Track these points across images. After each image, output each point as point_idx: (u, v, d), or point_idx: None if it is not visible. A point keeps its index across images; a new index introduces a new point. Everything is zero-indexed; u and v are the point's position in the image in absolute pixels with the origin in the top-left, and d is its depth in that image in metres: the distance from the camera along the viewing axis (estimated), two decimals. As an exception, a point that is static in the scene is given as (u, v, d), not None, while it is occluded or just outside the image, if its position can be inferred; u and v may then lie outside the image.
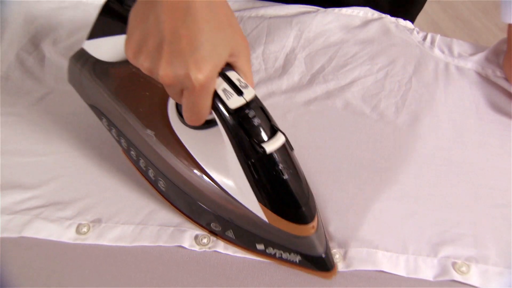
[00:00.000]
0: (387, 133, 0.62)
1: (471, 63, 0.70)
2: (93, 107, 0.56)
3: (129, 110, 0.51)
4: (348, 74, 0.68)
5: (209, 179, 0.48)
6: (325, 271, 0.49)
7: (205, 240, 0.51)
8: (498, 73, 0.68)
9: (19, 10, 0.73)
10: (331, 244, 0.51)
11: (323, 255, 0.49)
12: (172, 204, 0.54)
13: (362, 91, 0.66)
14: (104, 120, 0.55)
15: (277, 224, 0.45)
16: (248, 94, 0.42)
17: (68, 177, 0.56)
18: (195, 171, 0.48)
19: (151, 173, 0.52)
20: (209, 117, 0.46)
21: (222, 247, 0.51)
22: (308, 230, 0.46)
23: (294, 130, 0.61)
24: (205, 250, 0.51)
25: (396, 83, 0.67)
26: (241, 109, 0.42)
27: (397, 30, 0.73)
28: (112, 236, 0.52)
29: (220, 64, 0.41)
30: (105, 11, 0.51)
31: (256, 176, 0.44)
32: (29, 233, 0.51)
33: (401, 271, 0.50)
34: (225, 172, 0.47)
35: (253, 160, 0.43)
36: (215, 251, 0.51)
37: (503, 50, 0.70)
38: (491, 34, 2.00)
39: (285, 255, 0.49)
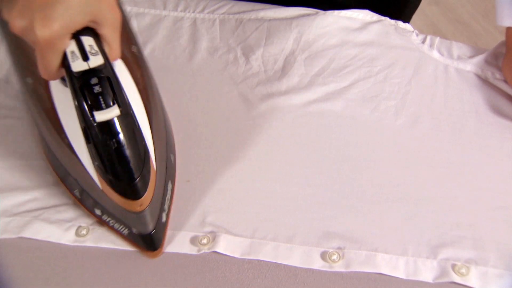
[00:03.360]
0: (387, 135, 0.62)
1: (471, 66, 0.70)
2: None
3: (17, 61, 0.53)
4: (347, 76, 0.68)
5: (63, 134, 0.49)
6: (147, 250, 0.51)
7: (204, 241, 0.51)
8: (498, 75, 0.68)
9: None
10: (331, 245, 0.52)
11: (150, 234, 0.50)
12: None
13: (361, 93, 0.66)
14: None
15: (107, 192, 0.46)
16: (94, 62, 0.43)
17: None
18: (54, 126, 0.50)
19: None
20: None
21: (221, 248, 0.51)
22: (135, 206, 0.46)
23: (293, 132, 0.62)
24: (204, 251, 0.51)
25: (395, 86, 0.67)
26: (84, 74, 0.42)
27: (396, 32, 0.73)
28: (111, 239, 0.52)
29: (72, 26, 0.42)
30: None
31: (89, 142, 0.44)
32: (28, 233, 0.51)
33: (400, 273, 0.50)
34: (74, 132, 0.47)
35: (87, 126, 0.43)
36: (214, 251, 0.51)
37: (502, 53, 0.70)
38: (490, 36, 2.01)
39: (116, 225, 0.51)
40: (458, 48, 0.72)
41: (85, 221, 0.53)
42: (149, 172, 0.46)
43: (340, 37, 0.72)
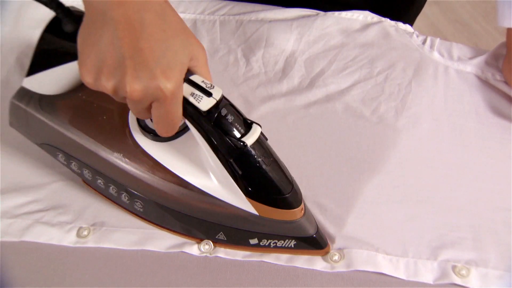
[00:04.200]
0: (387, 137, 0.62)
1: (471, 67, 0.70)
2: (46, 145, 0.54)
3: (89, 138, 0.50)
4: (348, 77, 0.68)
5: (190, 187, 0.48)
6: (320, 249, 0.51)
7: (207, 247, 0.51)
8: (498, 76, 0.68)
9: (19, 14, 0.74)
10: (331, 246, 0.52)
11: (315, 235, 0.50)
12: (153, 223, 0.53)
13: (362, 95, 0.66)
14: (60, 156, 0.53)
15: (268, 214, 0.46)
16: (217, 94, 0.42)
17: (68, 180, 0.56)
18: (175, 183, 0.48)
19: (124, 197, 0.52)
20: None
21: (223, 253, 0.51)
22: (298, 213, 0.47)
23: (294, 133, 0.62)
24: (206, 255, 0.51)
25: (396, 87, 0.67)
26: (213, 109, 0.42)
27: (396, 33, 0.73)
28: (113, 239, 0.52)
29: (184, 70, 0.41)
30: (42, 44, 0.49)
31: (240, 172, 0.44)
32: (30, 237, 0.51)
33: (401, 274, 0.50)
34: (205, 177, 0.47)
35: (235, 157, 0.43)
36: (216, 256, 0.51)
37: (502, 54, 0.70)
38: (490, 37, 2.01)
39: (279, 243, 0.50)
40: (459, 49, 0.72)
41: (86, 222, 0.53)
42: (290, 175, 0.47)
43: (340, 38, 0.72)
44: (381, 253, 0.51)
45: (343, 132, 0.62)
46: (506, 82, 0.67)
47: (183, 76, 0.40)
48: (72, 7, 0.47)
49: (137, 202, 0.51)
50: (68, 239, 0.52)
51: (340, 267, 0.50)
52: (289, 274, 0.50)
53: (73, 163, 0.52)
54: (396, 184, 0.57)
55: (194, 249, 0.51)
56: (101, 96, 0.43)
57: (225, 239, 0.51)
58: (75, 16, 0.46)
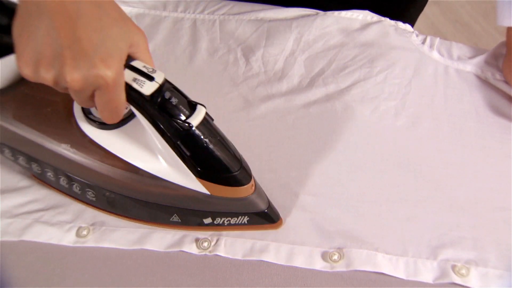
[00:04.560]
0: (387, 136, 0.62)
1: (471, 66, 0.70)
2: None
3: (35, 131, 0.49)
4: (347, 77, 0.68)
5: (141, 172, 0.48)
6: (272, 223, 0.52)
7: (205, 244, 0.51)
8: (498, 76, 0.68)
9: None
10: (331, 246, 0.52)
11: (267, 210, 0.51)
12: (107, 211, 0.53)
13: (361, 94, 0.66)
14: (6, 151, 0.53)
15: (219, 193, 0.47)
16: (159, 77, 0.43)
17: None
18: (124, 169, 0.48)
19: (76, 187, 0.51)
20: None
21: (223, 251, 0.51)
22: (249, 189, 0.48)
23: (293, 132, 0.62)
24: (205, 254, 0.51)
25: (395, 86, 0.67)
26: (156, 93, 0.42)
27: (396, 33, 0.73)
28: (112, 239, 0.52)
29: (124, 57, 0.41)
30: None
31: (188, 153, 0.45)
32: (29, 236, 0.51)
33: (400, 274, 0.50)
34: (154, 161, 0.48)
35: (182, 138, 0.44)
36: (215, 254, 0.51)
37: (502, 53, 0.70)
38: (490, 37, 2.01)
39: (233, 220, 0.51)
40: (458, 49, 0.72)
41: (86, 221, 0.53)
42: (239, 153, 0.48)
43: (340, 38, 0.72)
44: (380, 252, 0.51)
45: (343, 131, 0.62)
46: (506, 82, 0.67)
47: (123, 62, 0.40)
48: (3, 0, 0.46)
49: (88, 191, 0.51)
50: (68, 238, 0.51)
51: (340, 267, 0.50)
52: (288, 273, 0.50)
53: (21, 157, 0.52)
54: (396, 184, 0.57)
55: (193, 247, 0.51)
56: (43, 88, 0.43)
57: (180, 220, 0.51)
58: (8, 8, 0.44)
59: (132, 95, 0.42)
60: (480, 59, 0.70)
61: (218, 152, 0.45)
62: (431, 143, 0.61)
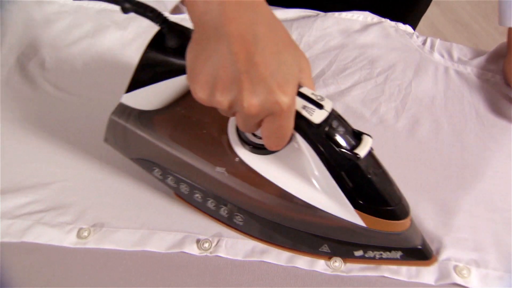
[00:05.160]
0: (387, 137, 0.62)
1: (471, 67, 0.70)
2: (141, 160, 0.53)
3: (190, 152, 0.49)
4: (348, 78, 0.68)
5: (295, 200, 0.47)
6: (426, 260, 0.51)
7: (206, 245, 0.51)
8: (498, 77, 0.68)
9: (19, 14, 0.74)
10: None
11: (421, 246, 0.50)
12: (253, 236, 0.53)
13: (362, 95, 0.66)
14: (156, 170, 0.52)
15: (377, 226, 0.46)
16: (328, 106, 0.42)
17: (68, 181, 0.56)
18: (279, 196, 0.47)
19: (223, 211, 0.51)
20: (261, 142, 0.46)
21: (224, 252, 0.51)
22: (406, 224, 0.47)
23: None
24: (206, 255, 0.51)
25: (396, 87, 0.67)
26: (324, 121, 0.42)
27: (396, 34, 0.73)
28: (113, 240, 0.52)
29: (297, 83, 0.40)
30: (144, 60, 0.48)
31: (351, 184, 0.44)
32: (30, 238, 0.51)
33: (402, 276, 0.50)
34: (310, 189, 0.47)
35: (347, 169, 0.43)
36: (216, 255, 0.51)
37: (502, 54, 0.70)
38: (491, 38, 2.01)
39: (385, 255, 0.49)
40: (459, 50, 0.72)
41: (86, 223, 0.53)
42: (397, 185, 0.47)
43: (341, 39, 0.72)
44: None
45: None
46: (506, 83, 0.67)
47: (296, 89, 0.40)
48: (176, 23, 0.46)
49: (237, 216, 0.51)
50: (68, 240, 0.51)
51: (341, 273, 0.50)
52: (289, 274, 0.50)
53: (170, 177, 0.52)
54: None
55: (194, 248, 0.51)
56: (200, 109, 0.43)
57: (329, 251, 0.50)
58: (179, 32, 0.45)
59: (300, 122, 0.42)
60: (480, 60, 0.70)
61: (381, 185, 0.45)
62: (431, 144, 0.61)
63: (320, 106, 0.41)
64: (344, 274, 0.50)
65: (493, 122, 0.64)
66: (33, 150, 0.59)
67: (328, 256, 0.51)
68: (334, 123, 0.42)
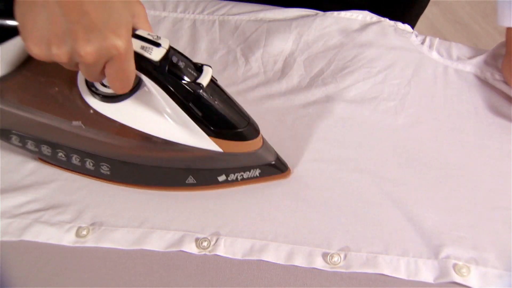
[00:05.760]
0: (386, 136, 0.62)
1: (470, 67, 0.70)
2: None
3: (45, 113, 0.50)
4: (347, 77, 0.68)
5: (155, 139, 0.49)
6: (283, 173, 0.56)
7: (205, 244, 0.51)
8: (497, 76, 0.68)
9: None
10: (332, 246, 0.52)
11: (275, 162, 0.54)
12: (123, 183, 0.55)
13: (361, 94, 0.66)
14: (14, 138, 0.53)
15: (232, 149, 0.49)
16: (165, 43, 0.44)
17: (67, 180, 0.56)
18: (139, 139, 0.50)
19: (89, 163, 0.52)
20: (110, 90, 0.48)
21: (222, 251, 0.51)
22: (259, 143, 0.51)
23: (293, 132, 0.62)
24: (205, 254, 0.51)
25: (395, 86, 0.67)
26: (164, 58, 0.44)
27: (395, 33, 0.73)
28: (112, 239, 0.52)
29: (130, 26, 0.42)
30: None
31: (200, 113, 0.46)
32: (29, 236, 0.51)
33: (401, 274, 0.50)
34: (166, 126, 0.49)
35: (193, 99, 0.45)
36: (215, 254, 0.51)
37: (501, 54, 0.70)
38: (490, 37, 2.01)
39: (246, 175, 0.53)
40: (458, 49, 0.72)
41: (85, 221, 0.53)
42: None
43: (340, 38, 0.72)
44: (381, 253, 0.51)
45: (342, 132, 0.62)
46: (505, 82, 0.67)
47: (130, 32, 0.42)
48: None
49: (103, 165, 0.52)
50: (67, 238, 0.51)
51: (339, 269, 0.50)
52: (288, 273, 0.50)
53: (29, 142, 0.53)
54: (395, 183, 0.57)
55: (192, 247, 0.51)
56: (45, 70, 0.44)
57: (195, 182, 0.53)
58: None
59: (141, 62, 0.43)
60: (479, 59, 0.70)
61: (227, 110, 0.48)
62: (430, 143, 0.61)
63: (157, 45, 0.43)
64: (343, 270, 0.50)
65: (492, 120, 0.64)
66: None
67: (195, 187, 0.54)
68: (174, 59, 0.44)
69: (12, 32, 0.44)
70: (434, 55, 0.71)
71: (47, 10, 0.38)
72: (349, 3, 0.75)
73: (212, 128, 0.48)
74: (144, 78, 0.45)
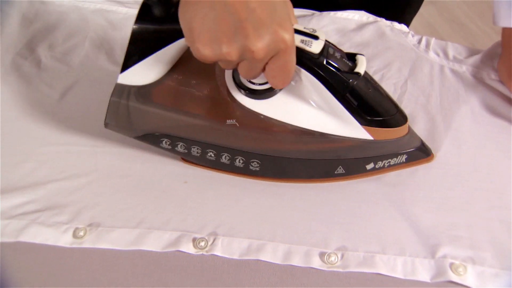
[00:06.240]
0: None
1: (466, 66, 0.70)
2: (147, 136, 0.54)
3: (196, 113, 0.51)
4: (344, 77, 0.68)
5: (309, 133, 0.50)
6: (429, 156, 0.58)
7: (202, 244, 0.51)
8: (493, 75, 0.69)
9: (15, 14, 0.74)
10: (329, 246, 0.52)
11: (421, 145, 0.56)
12: (271, 178, 0.55)
13: (358, 94, 0.66)
14: (164, 141, 0.54)
15: (383, 136, 0.50)
16: (322, 35, 0.45)
17: (64, 180, 0.56)
18: (293, 133, 0.50)
19: (239, 161, 0.53)
20: (264, 87, 0.49)
21: (220, 251, 0.51)
22: (406, 128, 0.52)
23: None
24: (202, 254, 0.51)
25: (391, 86, 0.67)
26: (322, 50, 0.45)
27: (392, 33, 0.73)
28: (109, 239, 0.52)
29: (291, 20, 0.42)
30: (133, 36, 0.48)
31: (356, 102, 0.47)
32: (26, 237, 0.51)
33: (398, 274, 0.50)
34: (318, 119, 0.50)
35: (351, 89, 0.46)
36: (212, 254, 0.51)
37: (497, 53, 0.70)
38: (486, 37, 2.01)
39: (393, 161, 0.55)
40: (454, 49, 0.72)
41: (82, 222, 0.53)
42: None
43: (336, 38, 0.72)
44: (378, 252, 0.51)
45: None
46: (501, 81, 0.67)
47: (292, 25, 0.42)
48: None
49: (253, 162, 0.53)
50: (64, 239, 0.51)
51: (337, 269, 0.50)
52: (285, 272, 0.50)
53: (180, 144, 0.53)
54: (392, 183, 0.57)
55: (190, 247, 0.51)
56: (195, 72, 0.46)
57: (344, 172, 0.54)
58: (164, 0, 0.46)
59: (302, 55, 0.44)
60: (475, 59, 0.70)
61: (380, 98, 0.49)
62: (427, 142, 0.61)
63: (315, 37, 0.44)
64: (341, 270, 0.50)
65: (489, 120, 0.64)
66: (30, 150, 0.58)
67: (343, 176, 0.54)
68: (331, 50, 0.45)
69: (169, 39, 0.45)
70: (431, 54, 0.71)
71: (215, 11, 0.39)
72: (343, 6, 0.76)
73: (366, 117, 0.48)
74: (302, 71, 0.46)
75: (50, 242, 0.51)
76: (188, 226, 0.53)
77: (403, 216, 0.54)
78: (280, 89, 0.50)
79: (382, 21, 0.75)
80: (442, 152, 0.61)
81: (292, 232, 0.53)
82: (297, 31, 0.44)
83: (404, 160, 0.55)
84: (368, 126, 0.49)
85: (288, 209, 0.55)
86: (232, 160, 0.53)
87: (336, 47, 0.47)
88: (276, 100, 0.50)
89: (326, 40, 0.45)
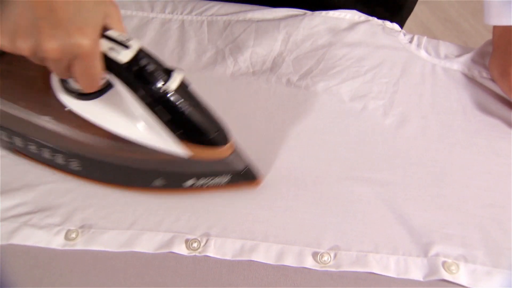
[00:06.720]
0: (375, 135, 0.62)
1: (458, 65, 0.70)
2: None
3: (16, 105, 0.51)
4: (336, 76, 0.68)
5: (122, 140, 0.49)
6: (254, 180, 0.54)
7: (195, 245, 0.51)
8: (484, 74, 0.69)
9: None
10: (322, 246, 0.52)
11: (246, 169, 0.53)
12: (92, 179, 0.55)
13: (350, 93, 0.66)
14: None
15: (201, 154, 0.49)
16: (135, 45, 0.44)
17: (56, 182, 0.56)
18: (107, 138, 0.50)
19: (59, 158, 0.53)
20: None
21: (213, 252, 0.51)
22: (229, 150, 0.50)
23: (282, 132, 0.62)
24: (195, 255, 0.51)
25: (383, 85, 0.67)
26: (133, 61, 0.44)
27: (384, 32, 0.73)
28: (101, 241, 0.51)
29: (99, 26, 0.42)
30: None
31: (167, 118, 0.46)
32: (18, 240, 0.51)
33: (391, 273, 0.50)
34: (135, 128, 0.49)
35: (161, 103, 0.45)
36: (205, 255, 0.51)
37: (489, 52, 0.70)
38: (479, 35, 2.02)
39: (213, 181, 0.53)
40: (445, 47, 0.72)
41: (74, 224, 0.52)
42: (217, 116, 0.50)
43: (328, 38, 0.72)
44: (371, 251, 0.52)
45: (331, 130, 0.62)
46: (492, 80, 0.68)
47: (98, 32, 0.42)
48: None
49: (72, 161, 0.52)
50: (56, 241, 0.51)
51: (330, 268, 0.50)
52: (278, 273, 0.50)
53: (4, 133, 0.53)
54: (384, 182, 0.57)
55: (182, 248, 0.51)
56: (21, 64, 0.44)
57: (162, 184, 0.53)
58: None
59: (110, 63, 0.44)
60: (467, 57, 0.71)
61: (196, 115, 0.47)
62: (419, 141, 0.62)
63: (126, 46, 0.43)
64: (334, 269, 0.50)
65: (480, 118, 0.65)
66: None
67: (161, 189, 0.53)
68: (143, 62, 0.44)
69: None
70: (422, 53, 0.71)
71: (17, 4, 0.39)
72: (336, 6, 0.76)
73: (179, 132, 0.48)
74: (114, 80, 0.46)
75: (42, 244, 0.51)
76: (181, 227, 0.53)
77: (395, 215, 0.55)
78: (98, 93, 0.50)
79: (374, 20, 0.75)
80: (434, 150, 0.61)
81: (285, 232, 0.53)
82: (109, 38, 0.43)
83: (226, 181, 0.53)
84: (184, 142, 0.48)
85: (281, 210, 0.55)
86: (53, 156, 0.53)
87: (154, 59, 0.46)
88: (95, 102, 0.50)
89: (143, 51, 0.45)
